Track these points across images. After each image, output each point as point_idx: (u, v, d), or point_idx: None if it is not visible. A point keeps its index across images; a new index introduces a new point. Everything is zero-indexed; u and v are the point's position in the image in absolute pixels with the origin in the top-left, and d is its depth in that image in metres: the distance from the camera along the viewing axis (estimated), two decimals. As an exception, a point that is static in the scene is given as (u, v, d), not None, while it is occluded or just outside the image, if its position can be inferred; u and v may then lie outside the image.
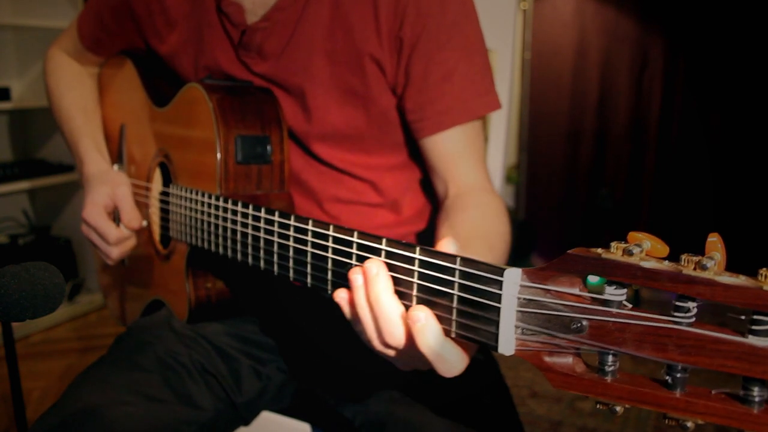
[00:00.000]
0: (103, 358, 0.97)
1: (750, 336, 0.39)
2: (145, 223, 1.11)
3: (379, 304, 0.58)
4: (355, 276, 0.60)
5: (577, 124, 3.76)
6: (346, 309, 0.63)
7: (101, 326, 2.94)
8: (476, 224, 0.85)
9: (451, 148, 0.95)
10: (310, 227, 0.70)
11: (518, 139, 3.93)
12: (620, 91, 3.63)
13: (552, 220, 3.91)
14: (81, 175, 1.14)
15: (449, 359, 0.56)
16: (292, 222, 0.73)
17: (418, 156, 1.02)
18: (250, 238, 0.82)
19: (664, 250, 0.45)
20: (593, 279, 0.47)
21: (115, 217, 1.07)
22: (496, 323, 0.52)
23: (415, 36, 0.91)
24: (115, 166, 1.22)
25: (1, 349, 1.11)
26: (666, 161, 3.57)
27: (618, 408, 0.46)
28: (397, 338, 0.59)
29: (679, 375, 0.43)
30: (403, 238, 0.70)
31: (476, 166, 0.96)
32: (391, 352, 0.62)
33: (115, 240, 1.03)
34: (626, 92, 3.62)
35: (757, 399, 0.40)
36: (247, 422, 1.00)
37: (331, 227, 0.68)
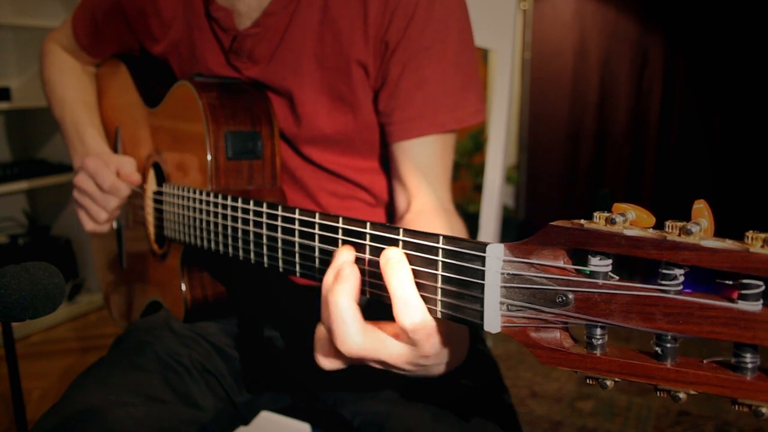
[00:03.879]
0: (103, 358, 0.96)
1: (739, 301, 0.37)
2: (141, 189, 1.10)
3: (337, 306, 0.56)
4: (327, 275, 0.59)
5: (577, 124, 3.75)
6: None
7: (101, 326, 2.94)
8: None
9: (416, 159, 0.93)
10: (296, 216, 0.70)
11: (518, 139, 3.92)
12: (620, 91, 3.62)
13: (552, 220, 3.89)
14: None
15: (413, 304, 0.55)
16: (279, 212, 0.73)
17: None
18: (240, 232, 0.81)
19: (650, 220, 0.44)
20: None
21: None
22: (481, 300, 0.51)
23: (397, 39, 0.90)
24: None
25: (1, 349, 1.11)
26: (666, 161, 3.56)
27: (608, 382, 0.45)
28: (349, 345, 0.56)
29: (668, 345, 0.41)
30: None
31: (442, 184, 0.94)
32: (338, 363, 0.61)
33: (110, 186, 1.01)
34: (626, 92, 3.61)
35: (749, 365, 0.38)
36: (246, 422, 0.99)
37: (317, 215, 0.67)
